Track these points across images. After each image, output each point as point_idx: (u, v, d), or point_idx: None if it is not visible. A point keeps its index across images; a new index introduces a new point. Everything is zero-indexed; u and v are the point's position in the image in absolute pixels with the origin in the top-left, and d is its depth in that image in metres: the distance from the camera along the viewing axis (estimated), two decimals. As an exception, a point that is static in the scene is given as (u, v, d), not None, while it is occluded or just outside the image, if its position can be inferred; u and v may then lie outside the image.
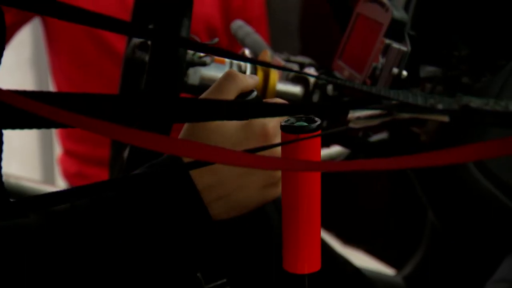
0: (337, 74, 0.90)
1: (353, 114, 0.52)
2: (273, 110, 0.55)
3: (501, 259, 0.87)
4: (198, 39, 0.82)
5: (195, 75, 0.81)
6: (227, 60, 0.83)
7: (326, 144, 0.95)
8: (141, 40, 0.84)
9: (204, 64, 0.79)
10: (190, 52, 0.81)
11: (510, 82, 0.75)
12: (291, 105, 0.57)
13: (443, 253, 1.04)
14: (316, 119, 0.59)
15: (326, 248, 0.93)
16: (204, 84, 0.82)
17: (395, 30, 0.82)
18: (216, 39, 0.81)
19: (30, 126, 0.46)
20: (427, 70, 0.90)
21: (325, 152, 0.93)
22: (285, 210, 0.61)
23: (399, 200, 1.15)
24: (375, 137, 0.94)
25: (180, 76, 0.70)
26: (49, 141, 1.87)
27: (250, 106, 0.61)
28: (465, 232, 0.95)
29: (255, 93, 0.68)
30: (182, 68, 0.71)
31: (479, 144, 0.43)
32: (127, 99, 0.55)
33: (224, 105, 0.60)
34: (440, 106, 0.46)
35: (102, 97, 0.51)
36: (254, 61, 0.59)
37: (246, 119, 0.62)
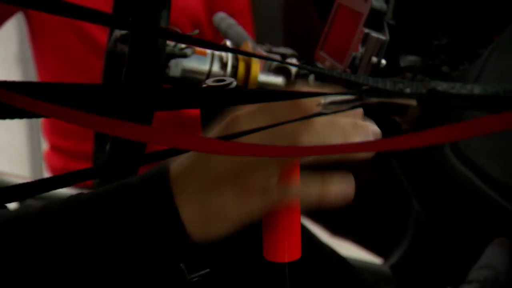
0: (319, 64, 0.90)
1: (325, 100, 0.53)
2: (250, 97, 0.55)
3: (484, 246, 0.88)
4: (179, 31, 0.82)
5: (176, 67, 0.81)
6: (208, 51, 0.83)
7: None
8: (122, 32, 0.84)
9: (185, 55, 0.79)
10: (171, 44, 0.81)
11: (486, 69, 0.75)
12: (268, 92, 0.57)
13: (428, 241, 1.05)
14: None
15: (311, 239, 0.94)
16: (186, 76, 0.82)
17: (375, 19, 0.83)
18: (197, 31, 0.81)
19: (4, 117, 0.46)
20: (407, 60, 0.90)
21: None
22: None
23: (384, 190, 1.16)
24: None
25: (160, 67, 0.71)
26: (37, 137, 1.87)
27: (228, 93, 0.61)
28: (448, 220, 0.96)
29: (234, 83, 0.69)
30: (161, 59, 0.71)
31: (449, 126, 0.44)
32: (104, 88, 0.55)
33: (201, 92, 0.61)
34: (408, 90, 0.47)
35: (78, 86, 0.51)
36: (236, 51, 0.59)
37: (225, 106, 0.62)
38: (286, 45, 1.05)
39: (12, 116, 0.46)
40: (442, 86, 0.47)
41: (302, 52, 0.96)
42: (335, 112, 0.52)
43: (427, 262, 1.05)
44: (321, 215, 1.22)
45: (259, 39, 1.11)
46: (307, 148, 0.55)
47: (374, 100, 0.51)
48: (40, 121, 1.57)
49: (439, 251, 1.04)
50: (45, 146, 1.50)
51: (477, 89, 0.48)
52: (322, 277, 0.92)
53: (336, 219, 1.22)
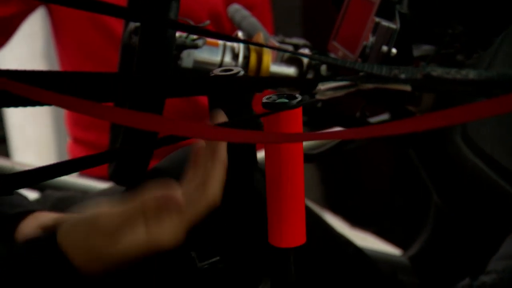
0: (332, 54, 0.90)
1: (321, 87, 0.53)
2: (253, 84, 0.56)
3: (503, 237, 0.87)
4: (191, 23, 0.83)
5: (188, 58, 0.82)
6: (220, 42, 0.84)
7: (325, 127, 0.95)
8: (136, 25, 0.85)
9: (196, 46, 0.80)
10: (183, 35, 0.82)
11: (498, 56, 0.75)
12: (267, 78, 0.58)
13: (447, 232, 1.05)
14: (297, 95, 0.60)
15: (327, 229, 0.94)
16: (198, 67, 0.83)
17: (387, 8, 0.83)
18: (207, 22, 0.82)
19: (12, 105, 0.48)
20: (422, 49, 0.90)
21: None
22: (269, 185, 0.62)
23: (403, 181, 1.15)
24: (377, 118, 0.95)
25: (169, 57, 0.71)
26: (63, 131, 1.90)
27: (233, 81, 0.62)
28: (466, 211, 0.95)
29: (242, 73, 0.69)
30: (171, 49, 0.72)
31: (446, 111, 0.44)
32: (113, 77, 0.56)
33: (210, 80, 0.62)
34: (403, 76, 0.47)
35: (86, 76, 0.53)
36: (247, 42, 0.60)
37: (230, 94, 0.63)
38: (304, 37, 1.05)
39: (16, 105, 0.48)
40: (437, 71, 0.48)
41: (320, 44, 0.96)
42: (331, 98, 0.53)
43: (446, 253, 1.05)
44: (342, 207, 1.22)
45: (278, 31, 1.11)
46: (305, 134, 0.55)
47: (369, 86, 0.51)
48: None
49: (458, 242, 1.04)
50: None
51: (471, 74, 0.48)
52: (338, 266, 0.92)
53: (356, 210, 1.22)
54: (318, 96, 0.51)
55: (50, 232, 0.58)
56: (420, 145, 0.96)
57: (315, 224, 0.91)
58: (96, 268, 0.57)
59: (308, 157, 0.91)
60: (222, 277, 0.72)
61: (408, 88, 0.46)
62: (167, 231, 0.58)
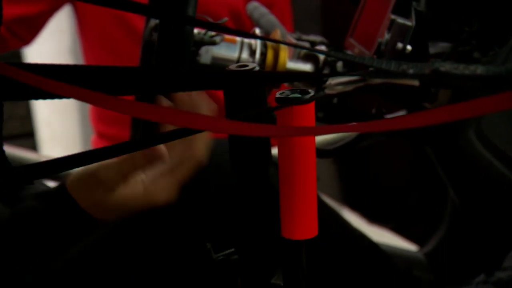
0: (348, 51, 0.91)
1: (330, 82, 0.54)
2: (265, 78, 0.58)
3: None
4: (210, 20, 0.85)
5: (206, 54, 0.84)
6: (238, 39, 0.86)
7: (341, 123, 0.97)
8: (157, 22, 0.87)
9: (214, 43, 0.82)
10: (201, 32, 0.84)
11: (514, 53, 0.75)
12: (278, 73, 0.59)
13: (464, 229, 1.05)
14: (310, 90, 0.61)
15: (343, 223, 0.95)
16: (216, 63, 0.85)
17: (403, 6, 0.83)
18: (225, 19, 0.84)
19: (28, 98, 0.50)
20: (439, 46, 0.91)
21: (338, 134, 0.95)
22: (282, 179, 0.63)
23: (421, 179, 1.16)
24: (392, 116, 0.96)
25: (187, 53, 0.73)
26: (89, 126, 1.93)
27: (246, 75, 0.63)
28: (482, 208, 0.96)
29: (257, 68, 0.71)
30: (188, 45, 0.73)
31: (452, 106, 0.45)
32: (130, 71, 0.58)
33: (225, 74, 0.63)
34: (411, 71, 0.48)
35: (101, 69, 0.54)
36: (263, 38, 0.61)
37: (244, 88, 0.65)
38: (324, 34, 1.06)
39: (31, 97, 0.50)
40: (445, 67, 0.49)
41: (339, 41, 0.97)
42: (340, 92, 0.54)
43: (462, 250, 1.05)
44: (360, 203, 1.23)
45: (298, 29, 1.12)
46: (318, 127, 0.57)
47: (378, 80, 0.52)
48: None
49: (474, 239, 1.04)
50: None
51: (480, 70, 0.49)
52: (353, 259, 0.93)
53: (374, 207, 1.23)
54: (327, 91, 0.53)
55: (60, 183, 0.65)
56: (436, 142, 0.96)
57: (331, 219, 0.92)
58: (101, 213, 0.64)
59: (324, 153, 0.92)
60: (236, 268, 0.74)
61: (416, 83, 0.47)
62: (161, 187, 0.65)
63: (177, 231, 0.72)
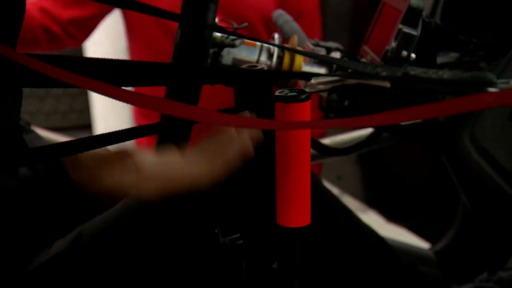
0: (363, 59, 0.97)
1: (312, 81, 0.60)
2: (267, 77, 0.65)
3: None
4: (235, 24, 0.92)
5: (228, 55, 0.91)
6: (258, 43, 0.93)
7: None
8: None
9: (233, 45, 0.89)
10: (224, 35, 0.91)
11: (510, 64, 0.80)
12: (279, 73, 0.65)
13: (473, 231, 1.09)
14: (306, 90, 0.68)
15: (352, 218, 1.00)
16: (236, 65, 0.92)
17: (412, 17, 0.89)
18: (245, 24, 0.91)
19: (44, 85, 0.58)
20: (449, 56, 0.96)
21: (350, 135, 1.01)
22: (278, 169, 0.69)
23: (437, 182, 1.20)
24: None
25: (205, 54, 0.81)
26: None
27: (254, 74, 0.70)
28: (487, 211, 1.00)
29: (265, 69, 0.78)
30: (207, 48, 0.81)
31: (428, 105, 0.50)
32: (152, 66, 0.66)
33: (235, 72, 0.70)
34: (384, 73, 0.54)
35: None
36: (274, 44, 0.68)
37: (253, 85, 0.72)
38: (352, 42, 1.12)
39: (46, 85, 0.58)
40: (415, 70, 0.54)
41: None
42: (320, 91, 0.60)
43: (470, 249, 1.10)
44: (378, 202, 1.28)
45: (328, 36, 1.19)
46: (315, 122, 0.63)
47: (353, 81, 0.58)
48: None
49: (482, 240, 1.08)
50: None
51: (446, 75, 0.55)
52: (361, 254, 0.99)
53: (392, 206, 1.27)
54: (307, 89, 0.59)
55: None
56: (448, 148, 1.01)
57: (341, 214, 0.97)
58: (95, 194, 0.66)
59: (336, 152, 0.98)
60: (240, 252, 0.80)
61: (387, 84, 0.53)
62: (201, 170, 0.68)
63: (188, 215, 0.78)
